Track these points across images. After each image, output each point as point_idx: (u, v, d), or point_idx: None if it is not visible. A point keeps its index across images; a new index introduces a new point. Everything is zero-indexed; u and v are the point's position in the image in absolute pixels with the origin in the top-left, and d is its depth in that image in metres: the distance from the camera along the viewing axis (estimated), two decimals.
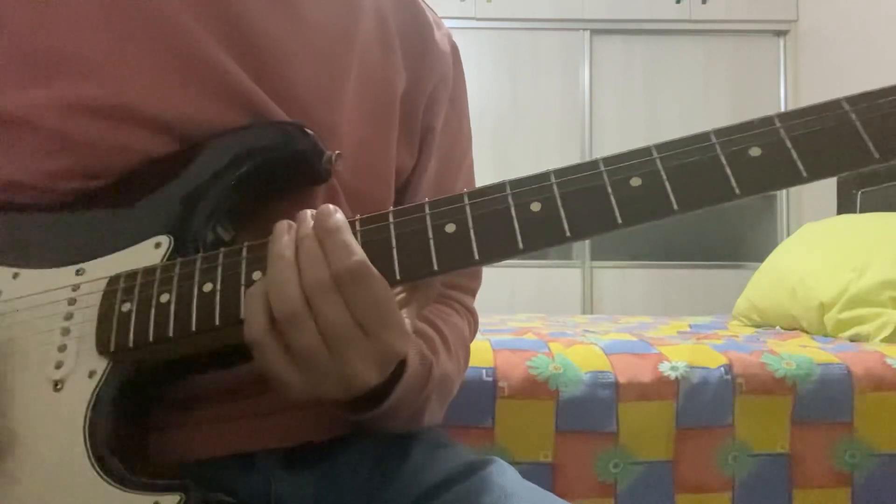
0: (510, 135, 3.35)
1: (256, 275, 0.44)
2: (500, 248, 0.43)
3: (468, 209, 0.43)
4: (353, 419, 0.52)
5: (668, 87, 3.40)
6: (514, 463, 0.59)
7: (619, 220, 0.41)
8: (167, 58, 0.52)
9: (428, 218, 0.44)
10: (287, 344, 0.42)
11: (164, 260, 0.48)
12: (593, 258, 3.32)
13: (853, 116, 0.40)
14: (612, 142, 3.37)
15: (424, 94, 0.65)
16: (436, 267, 0.43)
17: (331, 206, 0.44)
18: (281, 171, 0.53)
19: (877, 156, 0.39)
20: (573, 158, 3.33)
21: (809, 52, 3.24)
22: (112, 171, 0.51)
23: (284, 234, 0.44)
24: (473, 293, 0.71)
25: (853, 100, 0.41)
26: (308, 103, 0.55)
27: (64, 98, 0.50)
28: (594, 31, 3.41)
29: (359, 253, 0.42)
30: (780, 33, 3.38)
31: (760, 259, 2.17)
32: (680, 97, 3.39)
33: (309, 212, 0.45)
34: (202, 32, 0.52)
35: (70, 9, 0.51)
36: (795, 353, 1.12)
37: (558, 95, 3.40)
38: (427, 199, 0.55)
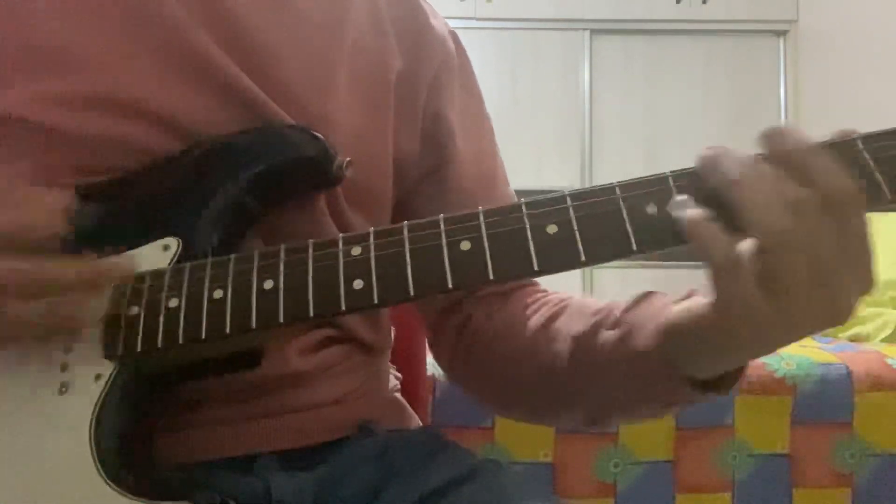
0: (510, 135, 3.34)
1: (268, 283, 0.44)
2: (515, 269, 0.43)
3: (483, 227, 0.43)
4: (694, 398, 0.49)
5: (668, 87, 3.39)
6: (514, 463, 0.59)
7: (635, 247, 0.41)
8: (159, 52, 0.52)
9: (443, 234, 0.44)
10: (767, 270, 0.39)
11: (173, 262, 0.47)
12: None
13: (867, 156, 0.40)
14: (612, 142, 3.37)
15: (425, 79, 0.64)
16: (450, 284, 0.43)
17: (791, 126, 0.41)
18: (291, 175, 0.52)
19: (889, 197, 0.39)
20: (573, 158, 3.33)
21: (809, 52, 3.23)
22: (111, 167, 0.51)
23: (730, 159, 0.40)
24: None
25: (866, 138, 0.41)
26: (300, 95, 0.55)
27: (59, 93, 0.50)
28: (594, 31, 3.41)
29: (851, 177, 0.39)
30: (780, 33, 3.38)
31: None
32: (680, 97, 3.38)
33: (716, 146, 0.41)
34: (193, 26, 0.52)
35: (64, 5, 0.52)
36: (795, 353, 1.12)
37: (558, 95, 3.39)
38: (473, 184, 0.54)
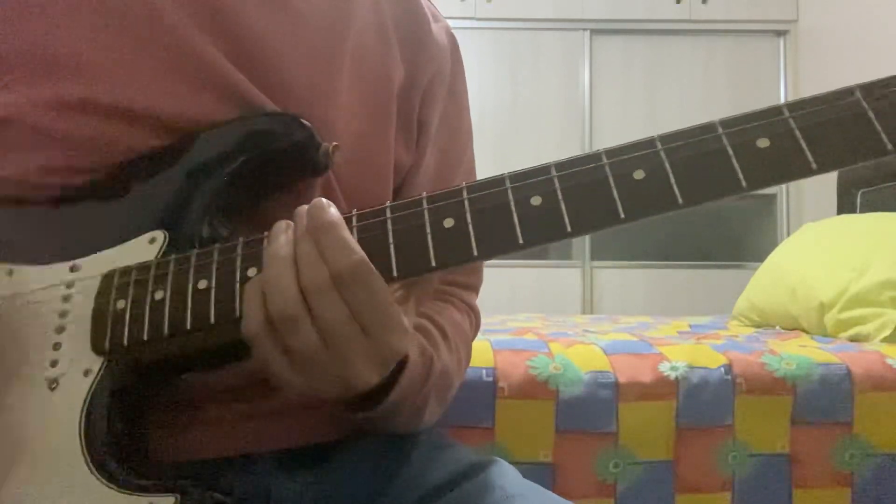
0: (510, 135, 3.35)
1: (252, 271, 0.44)
2: (499, 244, 0.42)
3: (467, 203, 0.42)
4: (354, 418, 0.51)
5: (668, 87, 3.40)
6: (514, 463, 0.59)
7: (622, 215, 0.40)
8: (157, 54, 0.52)
9: (426, 213, 0.43)
10: (285, 343, 0.42)
11: (159, 256, 0.47)
12: (593, 258, 3.32)
13: (865, 105, 0.39)
14: (613, 142, 3.34)
15: (420, 88, 0.64)
16: (434, 263, 0.42)
17: (324, 201, 0.44)
18: (277, 163, 0.52)
19: (889, 147, 0.38)
20: None
21: (809, 52, 3.23)
22: (104, 167, 0.51)
23: (282, 234, 0.43)
24: (475, 289, 0.70)
25: (866, 88, 0.39)
26: (302, 98, 0.55)
27: (59, 97, 0.50)
28: (594, 31, 3.41)
29: (357, 251, 0.41)
30: (780, 33, 3.38)
31: (760, 259, 2.16)
32: (680, 97, 3.39)
33: (305, 208, 0.44)
34: (191, 29, 0.52)
35: (59, 8, 0.51)
36: (795, 353, 1.12)
37: (558, 95, 3.40)
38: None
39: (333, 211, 0.43)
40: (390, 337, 0.43)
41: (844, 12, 2.90)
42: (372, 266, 0.41)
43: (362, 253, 0.42)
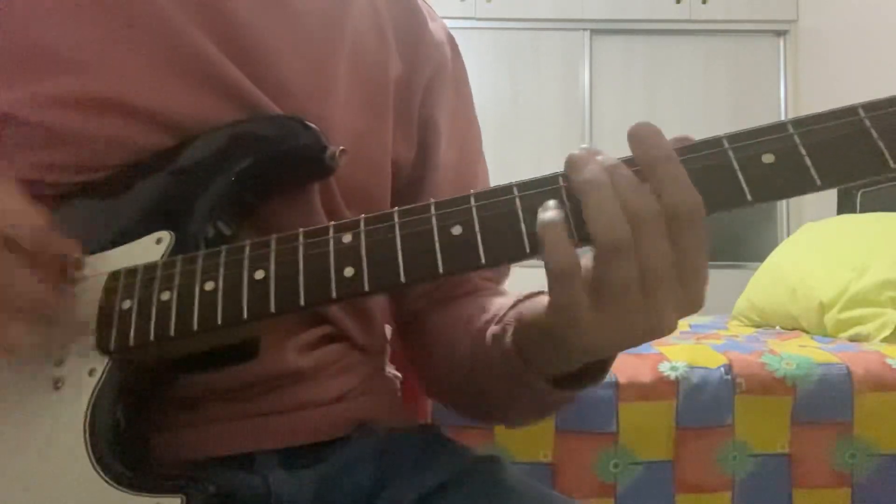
0: (510, 135, 3.35)
1: (259, 273, 0.44)
2: (507, 252, 0.42)
3: (475, 211, 0.43)
4: (552, 396, 0.49)
5: (668, 87, 3.40)
6: (514, 463, 0.59)
7: None
8: (155, 51, 0.52)
9: (434, 219, 0.43)
10: (598, 277, 0.39)
11: (165, 256, 0.47)
12: None
13: (868, 123, 0.39)
14: (612, 142, 3.37)
15: (420, 83, 0.64)
16: (441, 270, 0.42)
17: (655, 128, 0.40)
18: (283, 165, 0.52)
19: (892, 164, 0.39)
20: None
21: (809, 52, 3.24)
22: (105, 164, 0.51)
23: (590, 162, 0.40)
24: (503, 282, 0.71)
25: (869, 106, 0.40)
26: (299, 95, 0.55)
27: (58, 94, 0.50)
28: (594, 31, 3.41)
29: (696, 191, 0.39)
30: (780, 33, 3.38)
31: (760, 259, 2.17)
32: (680, 97, 3.39)
33: (586, 147, 0.41)
34: (188, 25, 0.52)
35: (58, 4, 0.51)
36: (795, 353, 1.12)
37: (558, 95, 3.40)
38: (450, 191, 0.55)
39: (668, 143, 0.40)
40: (700, 290, 0.40)
41: (844, 12, 2.90)
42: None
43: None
